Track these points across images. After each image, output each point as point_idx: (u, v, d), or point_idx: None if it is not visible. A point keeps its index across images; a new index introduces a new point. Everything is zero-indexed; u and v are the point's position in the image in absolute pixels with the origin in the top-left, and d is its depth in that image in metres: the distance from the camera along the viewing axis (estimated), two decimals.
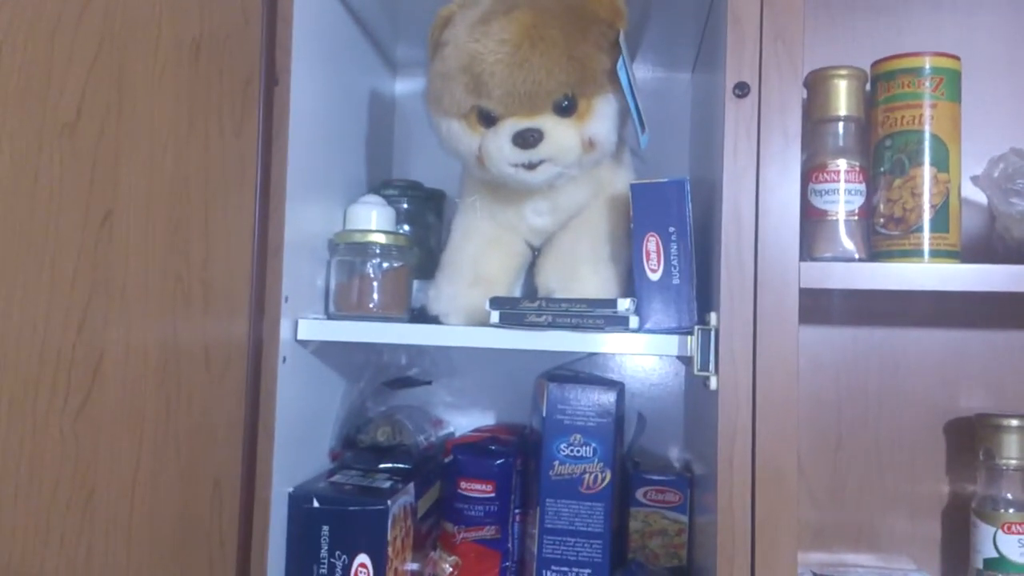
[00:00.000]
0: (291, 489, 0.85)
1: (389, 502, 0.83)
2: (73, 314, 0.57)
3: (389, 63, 1.17)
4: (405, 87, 1.20)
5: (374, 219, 0.92)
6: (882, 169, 0.80)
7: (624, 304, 0.78)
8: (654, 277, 0.80)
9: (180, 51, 0.69)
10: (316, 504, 0.83)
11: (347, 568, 0.82)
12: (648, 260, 0.80)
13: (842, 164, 0.80)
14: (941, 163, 0.78)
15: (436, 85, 0.86)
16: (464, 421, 1.14)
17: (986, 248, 0.94)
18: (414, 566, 0.91)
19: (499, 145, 0.82)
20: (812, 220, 0.81)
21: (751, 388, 0.71)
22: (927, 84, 0.78)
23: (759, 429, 0.71)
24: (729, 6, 0.73)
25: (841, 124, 0.82)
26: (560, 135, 0.82)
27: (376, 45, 1.10)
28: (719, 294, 0.72)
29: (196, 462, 0.73)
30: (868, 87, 0.83)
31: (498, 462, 0.95)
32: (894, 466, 1.02)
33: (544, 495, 0.87)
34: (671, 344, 0.78)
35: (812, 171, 0.81)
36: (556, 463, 0.87)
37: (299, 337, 0.85)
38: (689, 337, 0.75)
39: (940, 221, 0.78)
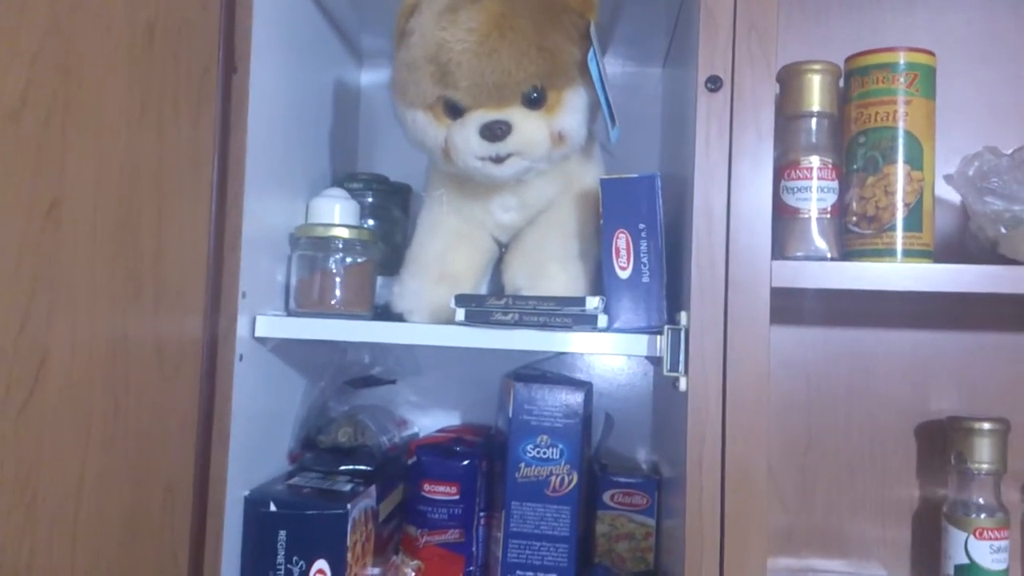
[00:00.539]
0: (247, 492, 0.83)
1: (349, 506, 0.80)
2: (15, 309, 0.55)
3: (354, 53, 1.14)
4: (371, 78, 1.18)
5: (337, 213, 0.90)
6: (855, 166, 0.79)
7: (593, 302, 0.77)
8: (623, 275, 0.79)
9: (133, 33, 0.67)
10: (273, 508, 0.81)
11: (304, 574, 0.80)
12: (618, 257, 0.79)
13: (815, 161, 0.79)
14: (915, 161, 0.77)
15: (402, 75, 0.84)
16: (429, 421, 1.12)
17: (959, 248, 0.94)
18: (375, 571, 0.89)
19: (466, 137, 0.80)
20: (784, 218, 0.79)
21: (721, 389, 0.70)
22: (901, 80, 0.77)
23: (729, 431, 0.70)
24: None
25: (814, 120, 0.81)
26: (529, 128, 0.80)
27: (341, 34, 1.07)
28: (689, 293, 0.71)
29: (147, 464, 0.71)
30: (842, 83, 0.82)
31: (463, 464, 0.93)
32: (864, 469, 1.02)
33: (510, 497, 0.86)
34: (640, 344, 0.77)
35: (784, 168, 0.80)
36: (522, 465, 0.86)
37: (257, 334, 0.83)
38: (659, 337, 0.74)
39: (913, 220, 0.77)
